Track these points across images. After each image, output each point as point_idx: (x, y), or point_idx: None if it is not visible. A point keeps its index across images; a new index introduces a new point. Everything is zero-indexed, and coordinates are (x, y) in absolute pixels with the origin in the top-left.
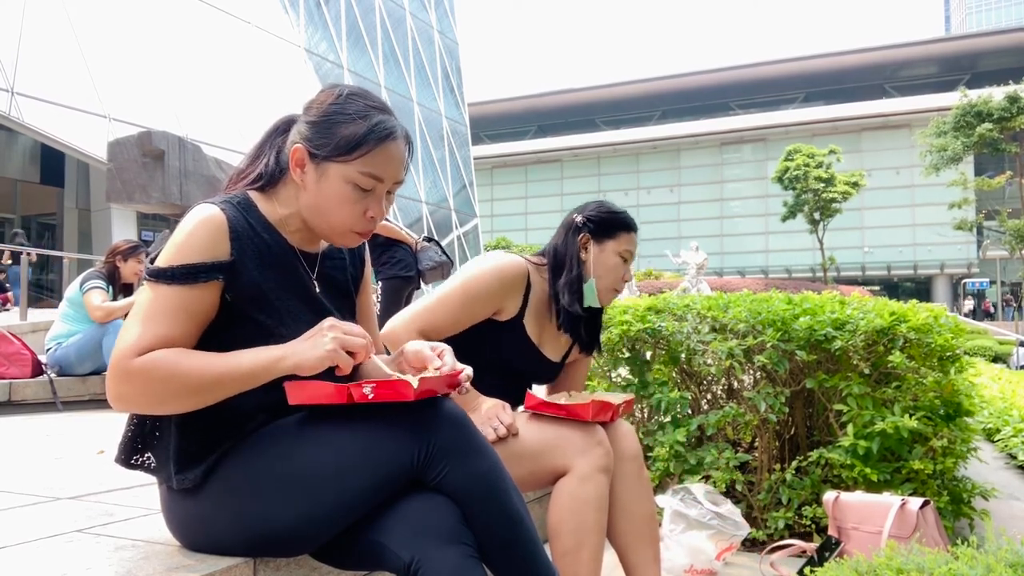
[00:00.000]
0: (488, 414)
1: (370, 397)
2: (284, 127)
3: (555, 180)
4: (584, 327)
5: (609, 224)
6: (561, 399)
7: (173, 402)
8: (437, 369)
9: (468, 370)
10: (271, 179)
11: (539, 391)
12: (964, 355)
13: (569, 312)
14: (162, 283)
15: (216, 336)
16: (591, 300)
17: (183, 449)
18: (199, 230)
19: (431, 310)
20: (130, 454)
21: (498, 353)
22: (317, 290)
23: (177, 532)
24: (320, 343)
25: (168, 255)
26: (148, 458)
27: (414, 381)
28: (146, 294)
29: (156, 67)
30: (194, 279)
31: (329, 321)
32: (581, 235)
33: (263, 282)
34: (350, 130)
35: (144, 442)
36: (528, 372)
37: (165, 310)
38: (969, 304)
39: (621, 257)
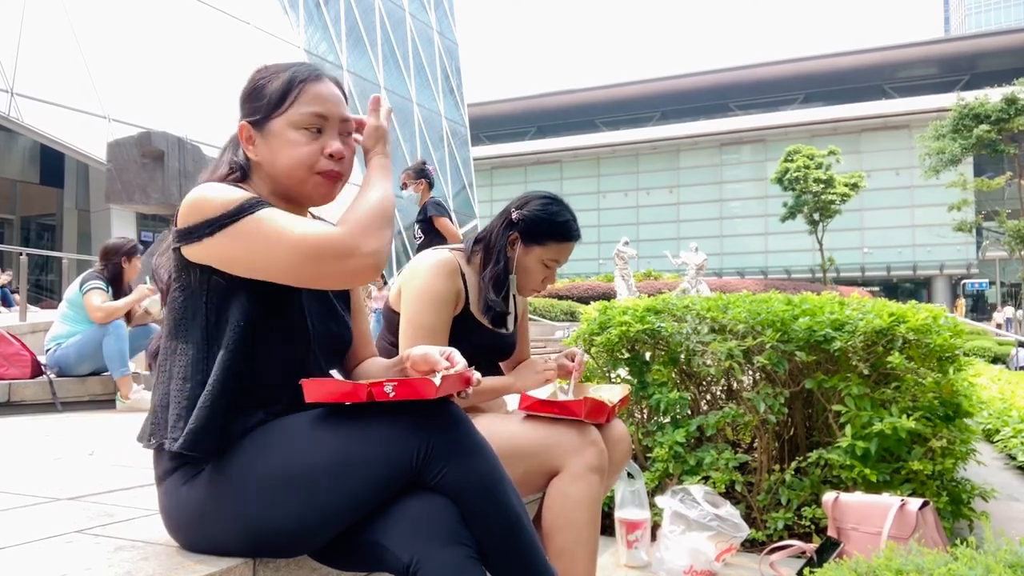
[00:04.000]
0: (538, 370)
1: (391, 396)
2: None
3: (555, 181)
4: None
5: (542, 230)
6: (556, 396)
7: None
8: (449, 369)
9: (478, 374)
10: (244, 171)
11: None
12: (963, 355)
13: (495, 300)
14: (246, 216)
15: (225, 310)
16: (512, 291)
17: (180, 409)
18: (220, 187)
19: (412, 337)
20: (151, 434)
21: (463, 345)
22: None
23: (176, 532)
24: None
25: (212, 209)
26: (154, 426)
27: (436, 379)
28: (252, 226)
29: (156, 67)
30: (253, 208)
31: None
32: (511, 233)
33: None
34: (274, 84)
35: (163, 420)
36: (493, 353)
37: (279, 216)
38: (1008, 312)
39: (544, 264)
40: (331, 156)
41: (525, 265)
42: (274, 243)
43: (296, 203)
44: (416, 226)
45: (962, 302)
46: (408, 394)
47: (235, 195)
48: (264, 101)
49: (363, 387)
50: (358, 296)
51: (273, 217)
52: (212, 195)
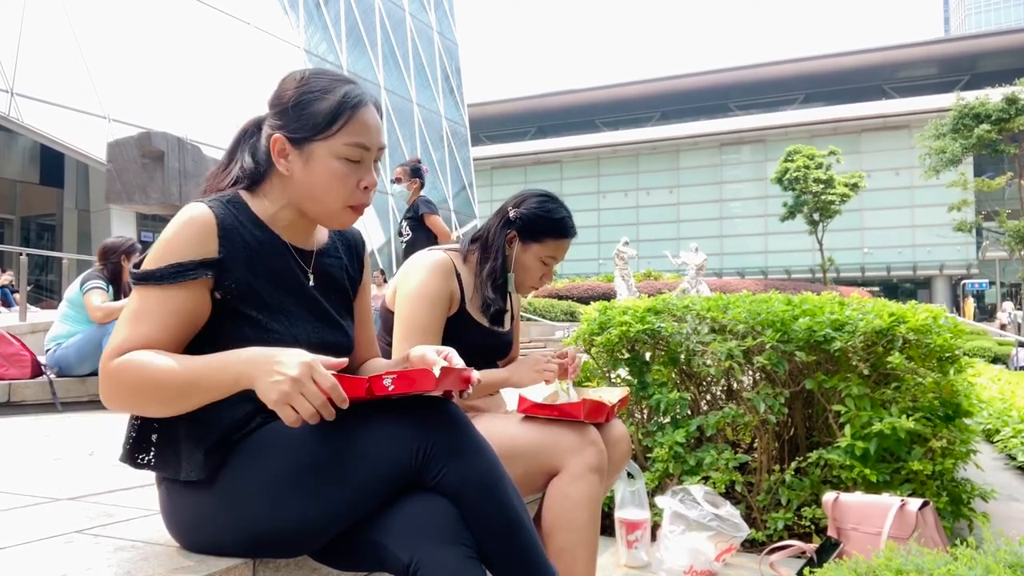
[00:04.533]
0: (536, 366)
1: (390, 389)
2: (254, 129)
3: (555, 181)
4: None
5: (539, 228)
6: (557, 396)
7: (147, 405)
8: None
9: (477, 373)
10: (255, 178)
11: (530, 392)
12: (963, 355)
13: (493, 298)
14: (150, 285)
15: (209, 333)
16: (509, 288)
17: (187, 443)
18: (185, 229)
19: (406, 336)
20: (134, 452)
21: (459, 345)
22: (311, 283)
23: (176, 532)
24: (279, 385)
25: (155, 256)
26: (152, 455)
27: (435, 369)
28: (133, 297)
29: (156, 67)
30: (180, 278)
31: (305, 366)
32: (509, 231)
33: (253, 279)
34: (323, 105)
35: (147, 439)
36: (491, 352)
37: (150, 312)
38: (1008, 307)
39: (542, 262)
40: (365, 188)
41: (523, 263)
42: (118, 321)
43: (311, 220)
44: (404, 223)
45: (970, 303)
46: (407, 386)
47: (170, 252)
48: (308, 122)
49: (362, 382)
50: (365, 301)
51: (141, 302)
52: (164, 239)
